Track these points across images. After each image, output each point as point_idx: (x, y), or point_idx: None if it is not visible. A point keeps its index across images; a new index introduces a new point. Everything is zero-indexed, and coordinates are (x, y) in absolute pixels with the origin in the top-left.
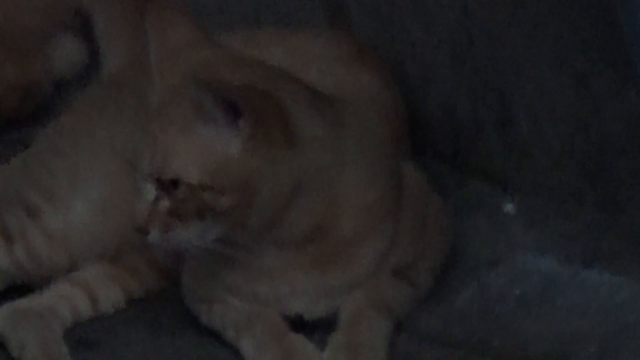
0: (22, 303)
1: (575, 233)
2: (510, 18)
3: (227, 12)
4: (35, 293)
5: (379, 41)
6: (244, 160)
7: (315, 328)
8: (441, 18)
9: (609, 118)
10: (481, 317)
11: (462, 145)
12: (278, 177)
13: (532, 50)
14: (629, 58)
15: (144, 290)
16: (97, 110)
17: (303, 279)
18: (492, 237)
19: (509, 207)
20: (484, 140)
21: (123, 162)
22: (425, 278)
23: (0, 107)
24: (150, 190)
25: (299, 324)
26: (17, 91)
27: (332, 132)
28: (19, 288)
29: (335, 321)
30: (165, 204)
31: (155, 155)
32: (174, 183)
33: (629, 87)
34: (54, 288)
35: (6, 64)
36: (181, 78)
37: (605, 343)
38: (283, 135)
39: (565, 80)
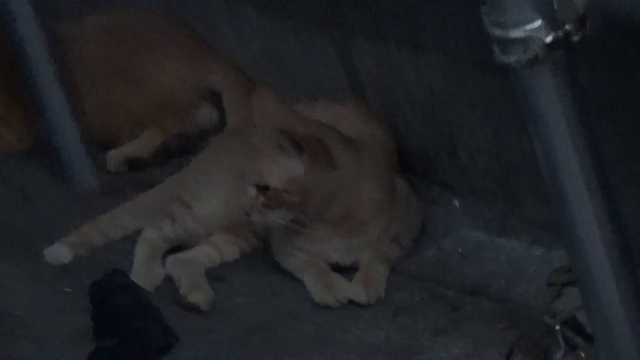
0: (180, 255)
1: (493, 217)
2: (457, 97)
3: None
4: (187, 250)
5: (381, 104)
6: (306, 177)
7: (346, 270)
8: (417, 93)
9: (512, 150)
10: (439, 264)
11: (428, 167)
12: (325, 186)
13: (468, 115)
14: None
15: (249, 248)
16: (224, 147)
17: (339, 242)
18: (445, 219)
19: (455, 203)
20: (441, 164)
21: (236, 176)
22: (408, 242)
23: (163, 149)
24: (252, 191)
25: (336, 268)
26: (178, 138)
27: (356, 160)
28: (178, 248)
29: (357, 267)
30: (261, 199)
31: (255, 171)
32: (266, 188)
33: (524, 133)
34: (198, 247)
35: (171, 122)
36: (271, 129)
37: (509, 279)
38: (328, 163)
39: (487, 130)
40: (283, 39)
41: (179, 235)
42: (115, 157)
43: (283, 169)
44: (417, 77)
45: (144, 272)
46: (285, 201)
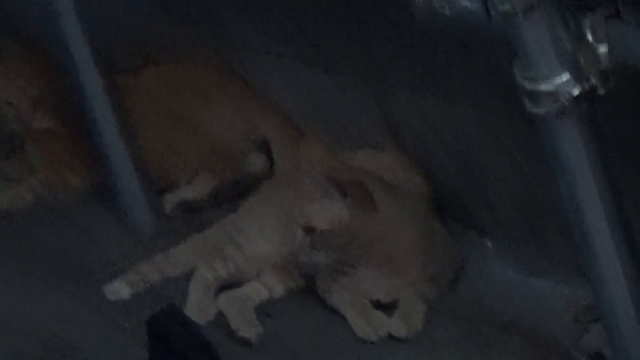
0: (231, 292)
1: (524, 258)
2: (490, 146)
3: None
4: (238, 287)
5: (419, 153)
6: (349, 220)
7: (386, 307)
8: (453, 143)
9: (541, 195)
10: (473, 302)
11: (463, 211)
12: (367, 229)
13: (500, 162)
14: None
15: (296, 285)
16: (273, 191)
17: (380, 281)
18: (478, 260)
19: (488, 244)
20: (474, 209)
21: (285, 218)
22: (444, 281)
23: (216, 193)
24: (299, 233)
25: (377, 304)
26: (229, 183)
27: (397, 205)
28: (229, 285)
29: (396, 304)
30: (307, 240)
31: (302, 214)
32: (312, 229)
33: (552, 179)
34: (248, 284)
35: (223, 167)
36: (317, 174)
37: (538, 316)
38: (369, 205)
39: (518, 177)
40: (330, 93)
41: (231, 274)
42: (171, 200)
43: (328, 212)
44: (453, 128)
45: (197, 308)
46: (330, 242)
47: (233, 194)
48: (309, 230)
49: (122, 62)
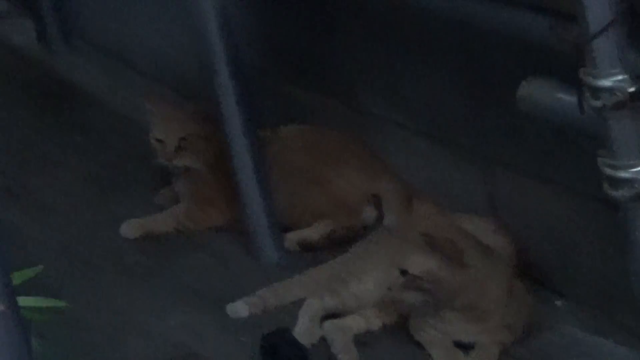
0: (335, 321)
1: (591, 319)
2: (576, 224)
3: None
4: (341, 317)
5: (512, 221)
6: (438, 271)
7: (465, 347)
8: (543, 216)
9: (615, 269)
10: (541, 353)
11: (541, 274)
12: (454, 281)
13: (583, 239)
14: None
15: (392, 321)
16: (381, 239)
17: (463, 325)
18: (550, 316)
19: (558, 303)
20: (552, 273)
21: (388, 263)
22: (518, 330)
23: (331, 237)
24: (396, 272)
25: (457, 344)
26: (344, 229)
27: (486, 263)
28: (333, 314)
29: (474, 345)
30: (401, 279)
31: (401, 258)
32: (406, 272)
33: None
34: (350, 316)
35: (341, 217)
36: (420, 230)
37: None
38: (459, 261)
39: (596, 253)
40: (441, 163)
41: (336, 306)
42: (292, 238)
43: (421, 261)
44: (544, 203)
45: (305, 332)
46: (419, 286)
47: (346, 239)
48: (403, 272)
49: (264, 117)
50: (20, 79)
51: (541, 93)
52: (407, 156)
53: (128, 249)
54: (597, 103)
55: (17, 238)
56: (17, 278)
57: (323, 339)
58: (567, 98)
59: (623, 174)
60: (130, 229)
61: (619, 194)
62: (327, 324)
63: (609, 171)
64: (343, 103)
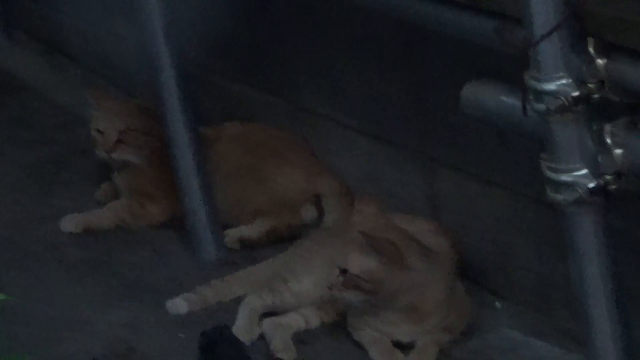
0: (274, 318)
1: (529, 321)
2: (517, 225)
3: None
4: (280, 315)
5: (452, 222)
6: (377, 271)
7: (403, 347)
8: (483, 217)
9: (555, 272)
10: (480, 354)
11: (482, 276)
12: (394, 281)
13: (524, 240)
14: None
15: (330, 319)
16: (320, 238)
17: (403, 326)
18: (489, 318)
19: (498, 305)
20: (492, 275)
21: (327, 262)
22: (457, 332)
23: (271, 235)
24: (335, 271)
25: (396, 344)
26: (284, 227)
27: (427, 264)
28: (272, 312)
29: (413, 345)
30: (340, 279)
31: (341, 257)
32: (346, 271)
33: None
34: (289, 314)
35: (281, 214)
36: (360, 230)
37: None
38: (400, 263)
39: (537, 254)
40: (384, 162)
41: (275, 304)
42: (232, 235)
43: (361, 260)
44: (485, 204)
45: (244, 329)
46: (359, 285)
47: (286, 237)
48: (343, 271)
49: (208, 115)
50: None
51: (485, 95)
52: (349, 155)
53: (69, 244)
54: (541, 106)
55: None
56: None
57: (262, 337)
58: (511, 101)
59: (565, 178)
60: (70, 223)
61: (561, 197)
62: (267, 321)
63: (551, 174)
64: (286, 101)
